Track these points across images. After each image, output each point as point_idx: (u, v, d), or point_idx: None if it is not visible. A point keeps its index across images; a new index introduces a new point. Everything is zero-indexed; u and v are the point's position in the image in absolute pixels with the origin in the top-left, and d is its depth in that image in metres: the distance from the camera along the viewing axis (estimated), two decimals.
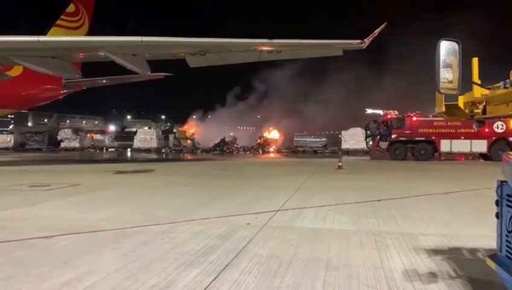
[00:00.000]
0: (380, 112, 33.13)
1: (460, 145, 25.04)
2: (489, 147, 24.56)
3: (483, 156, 25.71)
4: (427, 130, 25.52)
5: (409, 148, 25.71)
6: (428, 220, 6.74)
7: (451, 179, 14.06)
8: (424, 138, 25.50)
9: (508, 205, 2.71)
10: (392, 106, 32.53)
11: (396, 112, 28.61)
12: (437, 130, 25.20)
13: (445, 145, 25.22)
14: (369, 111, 36.30)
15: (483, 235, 5.24)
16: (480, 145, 24.75)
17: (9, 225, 6.26)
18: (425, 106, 26.73)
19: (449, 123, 24.46)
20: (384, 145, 26.66)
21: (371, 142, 28.37)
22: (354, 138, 34.01)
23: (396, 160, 24.94)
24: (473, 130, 24.14)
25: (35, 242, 5.23)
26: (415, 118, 26.08)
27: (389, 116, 28.21)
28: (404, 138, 25.84)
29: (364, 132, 29.99)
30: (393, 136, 26.14)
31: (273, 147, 40.60)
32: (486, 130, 24.13)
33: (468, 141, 24.80)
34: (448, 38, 2.80)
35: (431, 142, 25.41)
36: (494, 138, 24.59)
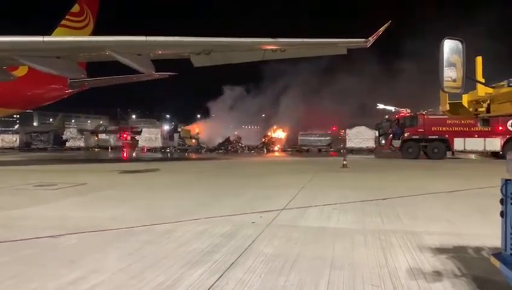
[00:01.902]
0: (392, 108, 32.76)
1: (474, 144, 24.64)
2: (503, 146, 24.15)
3: (494, 154, 25.37)
4: (441, 128, 25.04)
5: (422, 147, 25.32)
6: (433, 218, 6.74)
7: (457, 177, 14.02)
8: (437, 136, 25.13)
9: None
10: (398, 103, 32.41)
11: (409, 110, 28.15)
12: (450, 128, 24.75)
13: (458, 144, 24.85)
14: (381, 106, 35.82)
15: (488, 233, 5.22)
16: (494, 144, 24.39)
17: (16, 224, 6.32)
18: (436, 103, 26.41)
19: (462, 121, 23.98)
20: (397, 143, 26.24)
21: (383, 141, 27.90)
22: (358, 137, 33.92)
23: (409, 158, 24.59)
24: (486, 128, 23.90)
25: (42, 241, 5.28)
26: (428, 116, 25.66)
27: (401, 114, 27.77)
28: (417, 136, 25.45)
29: (377, 130, 29.56)
30: (406, 134, 25.73)
31: (278, 145, 40.60)
32: (500, 128, 23.84)
33: (482, 139, 24.44)
34: (452, 37, 2.80)
35: (444, 140, 25.03)
36: (508, 136, 24.23)
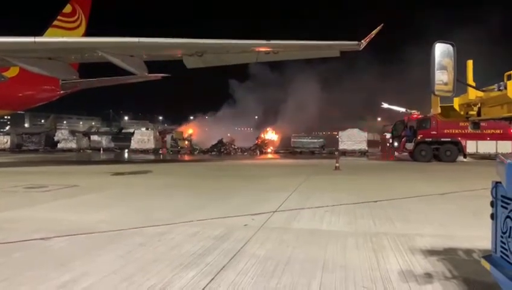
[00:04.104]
0: (400, 109, 32.12)
1: (486, 146, 24.51)
2: None
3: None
4: (453, 131, 24.65)
5: (434, 150, 24.94)
6: (425, 221, 6.77)
7: (450, 180, 14.10)
8: (449, 139, 24.81)
9: (502, 206, 2.72)
10: (396, 104, 32.18)
11: (418, 112, 27.63)
12: (463, 131, 24.17)
13: (471, 146, 24.69)
14: (385, 106, 35.24)
15: (478, 236, 5.25)
16: (506, 146, 24.22)
17: (5, 226, 6.24)
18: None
19: None
20: (410, 146, 25.72)
21: (396, 143, 27.32)
22: (351, 139, 34.04)
23: (421, 162, 24.20)
24: (498, 131, 23.88)
25: (31, 244, 5.22)
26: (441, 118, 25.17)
27: (413, 116, 27.26)
28: (430, 139, 25.07)
29: (390, 133, 28.82)
30: (419, 136, 25.30)
31: (271, 148, 40.62)
32: None
33: (494, 142, 24.40)
34: (443, 40, 2.82)
35: (457, 143, 24.75)
36: None
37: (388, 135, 29.31)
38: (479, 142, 24.61)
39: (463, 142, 24.63)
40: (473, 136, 24.44)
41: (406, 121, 27.23)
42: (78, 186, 11.39)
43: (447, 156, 24.62)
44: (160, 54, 19.43)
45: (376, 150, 36.82)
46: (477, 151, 24.95)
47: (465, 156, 25.41)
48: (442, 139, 24.95)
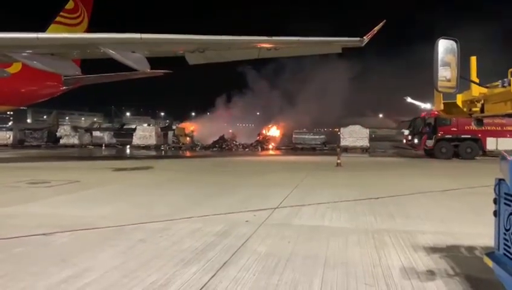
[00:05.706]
0: (421, 104, 31.45)
1: (506, 143, 23.98)
2: None
3: None
4: (474, 127, 23.90)
5: (454, 147, 24.48)
6: (426, 217, 6.76)
7: (451, 176, 14.06)
8: (470, 136, 24.45)
9: (505, 203, 2.71)
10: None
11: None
12: (483, 127, 23.50)
13: (491, 143, 24.36)
14: (409, 100, 34.45)
15: (481, 233, 5.24)
16: None
17: (8, 222, 6.26)
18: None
19: (495, 120, 23.29)
20: (430, 143, 25.13)
21: (416, 140, 26.60)
22: (352, 136, 33.91)
23: (441, 159, 23.81)
24: (480, 128, 23.68)
25: (33, 239, 5.24)
26: (444, 115, 24.58)
27: (433, 113, 26.80)
28: (450, 136, 24.69)
29: (408, 129, 28.14)
30: (439, 133, 24.82)
31: (272, 144, 40.57)
32: None
33: None
34: (447, 36, 2.80)
35: (477, 140, 24.41)
36: None
37: (406, 132, 28.74)
38: (499, 139, 24.25)
39: (483, 138, 24.24)
40: (493, 133, 24.14)
41: (426, 118, 26.84)
42: (80, 182, 11.40)
43: (467, 153, 24.23)
44: (162, 50, 19.38)
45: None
46: (497, 148, 24.59)
47: (484, 153, 24.98)
48: (462, 136, 24.58)
